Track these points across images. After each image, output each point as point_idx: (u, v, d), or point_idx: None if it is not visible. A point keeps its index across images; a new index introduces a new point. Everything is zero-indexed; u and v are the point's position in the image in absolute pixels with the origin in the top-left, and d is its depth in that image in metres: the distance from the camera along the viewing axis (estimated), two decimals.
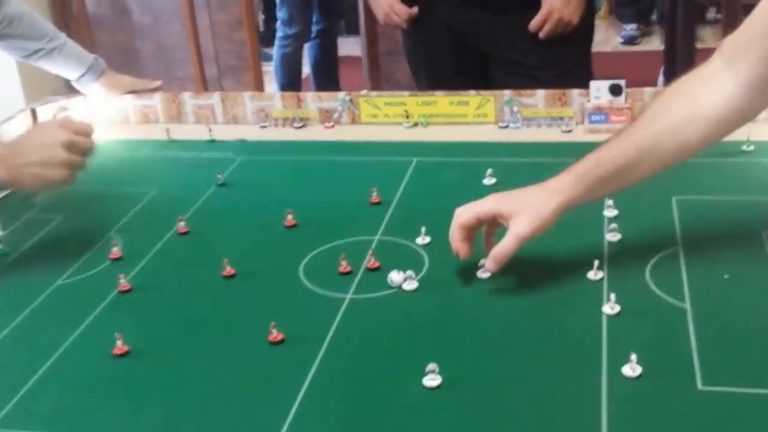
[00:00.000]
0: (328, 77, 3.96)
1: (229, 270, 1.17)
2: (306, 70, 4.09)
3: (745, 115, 1.07)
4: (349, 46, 4.55)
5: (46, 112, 1.74)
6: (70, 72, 1.74)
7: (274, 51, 3.86)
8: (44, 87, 2.63)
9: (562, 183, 1.08)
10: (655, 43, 4.45)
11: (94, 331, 1.07)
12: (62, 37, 1.73)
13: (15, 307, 1.13)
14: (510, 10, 1.84)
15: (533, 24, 1.82)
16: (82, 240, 1.30)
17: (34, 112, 1.74)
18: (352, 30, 4.73)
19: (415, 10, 1.93)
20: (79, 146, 1.24)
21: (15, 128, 1.68)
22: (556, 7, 1.79)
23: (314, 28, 3.89)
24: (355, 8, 3.30)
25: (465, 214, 1.10)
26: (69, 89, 1.83)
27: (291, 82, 3.81)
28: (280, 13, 3.79)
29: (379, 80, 3.13)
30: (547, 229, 1.07)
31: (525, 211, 1.06)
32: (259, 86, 2.96)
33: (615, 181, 1.09)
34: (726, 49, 1.06)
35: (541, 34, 1.82)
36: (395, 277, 1.11)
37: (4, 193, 1.46)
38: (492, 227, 1.13)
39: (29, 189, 1.25)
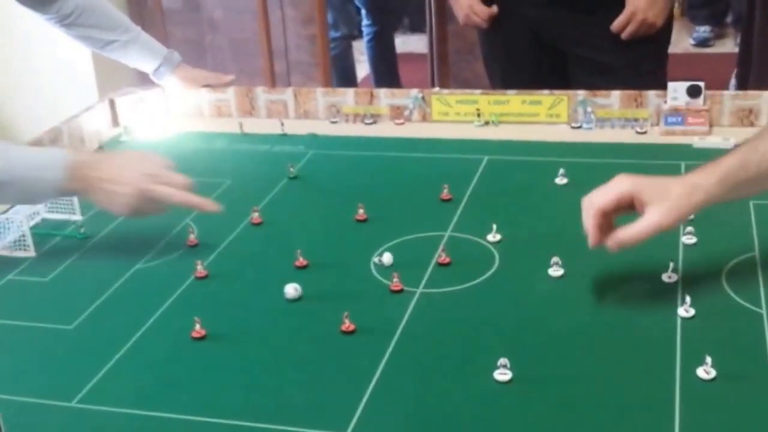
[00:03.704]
0: (387, 76, 4.00)
1: (301, 261, 1.19)
2: (366, 68, 4.13)
3: None
4: (413, 44, 4.57)
5: (125, 102, 1.79)
6: (144, 64, 1.78)
7: None
8: (118, 78, 2.70)
9: (705, 181, 1.02)
10: (728, 46, 4.36)
11: (173, 314, 1.10)
12: (136, 29, 1.77)
13: (97, 289, 1.17)
14: (592, 9, 1.83)
15: (616, 24, 1.81)
16: (159, 226, 1.33)
17: (112, 103, 1.79)
18: (417, 27, 4.76)
19: (494, 9, 1.94)
20: (164, 180, 1.22)
21: (94, 118, 1.73)
22: (641, 8, 1.78)
23: (368, 30, 3.94)
24: (421, 7, 3.31)
25: (602, 197, 1.03)
26: (143, 81, 1.87)
27: (345, 81, 3.86)
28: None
29: (447, 79, 3.13)
30: (681, 224, 1.03)
31: (667, 201, 1.01)
32: (327, 82, 2.98)
33: (758, 185, 1.05)
34: None
35: (624, 35, 1.81)
36: (290, 291, 1.11)
37: None
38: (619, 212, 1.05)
39: (98, 204, 1.23)
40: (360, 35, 4.07)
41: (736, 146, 1.07)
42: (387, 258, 1.18)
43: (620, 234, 1.02)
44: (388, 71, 4.01)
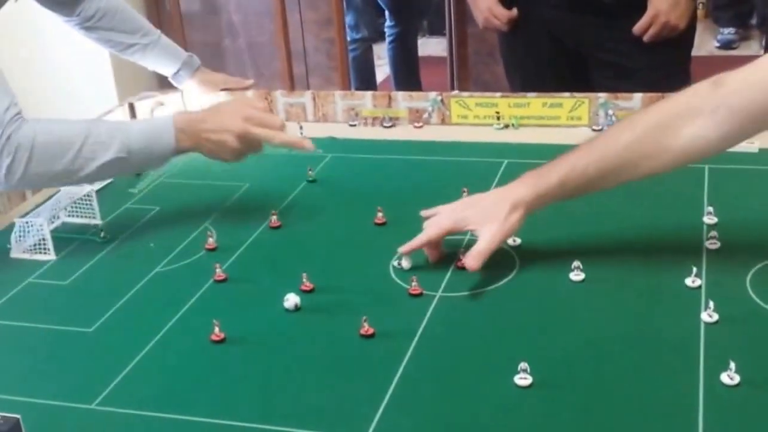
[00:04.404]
0: (409, 78, 3.99)
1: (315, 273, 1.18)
2: (386, 71, 4.12)
3: (709, 155, 1.11)
4: (432, 47, 4.57)
5: (143, 106, 1.80)
6: (164, 68, 1.79)
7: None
8: (137, 82, 2.71)
9: (525, 197, 1.13)
10: (753, 48, 4.32)
11: (192, 317, 1.10)
12: (156, 33, 1.77)
13: (116, 292, 1.17)
14: (613, 12, 1.82)
15: (638, 27, 1.79)
16: (178, 230, 1.34)
17: (132, 107, 1.80)
18: (435, 30, 4.75)
19: (514, 12, 1.93)
20: (261, 122, 1.31)
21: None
22: (663, 11, 1.77)
23: (391, 31, 3.94)
24: (440, 9, 3.30)
25: (433, 232, 1.16)
26: (162, 84, 1.88)
27: (365, 84, 3.86)
28: (347, 18, 3.84)
29: (467, 82, 3.12)
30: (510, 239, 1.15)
31: (494, 223, 1.12)
32: (346, 84, 2.99)
33: (580, 194, 1.14)
34: (721, 92, 1.06)
35: (646, 38, 1.80)
36: (291, 298, 1.10)
37: (104, 184, 1.51)
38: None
39: (210, 156, 1.34)
40: (380, 38, 4.07)
41: (563, 155, 1.15)
42: (406, 262, 1.17)
43: (467, 261, 1.12)
44: (409, 74, 4.00)
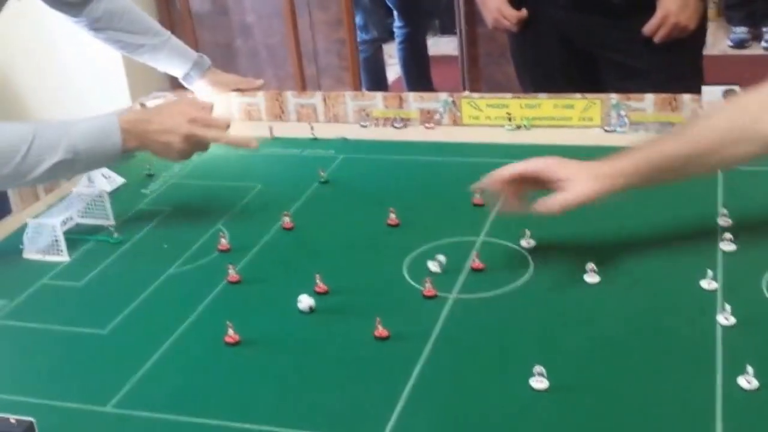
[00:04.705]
0: (419, 78, 3.98)
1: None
2: (398, 70, 4.12)
3: None
4: (443, 46, 4.56)
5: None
6: (174, 69, 1.78)
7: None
8: (149, 83, 2.71)
9: (626, 168, 1.11)
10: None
11: (206, 318, 1.10)
12: (166, 33, 1.77)
13: (130, 294, 1.17)
14: (623, 13, 1.81)
15: (648, 28, 1.79)
16: (191, 231, 1.34)
17: (143, 107, 1.79)
18: (447, 29, 4.74)
19: (524, 12, 1.93)
20: (206, 123, 1.33)
21: None
22: (673, 12, 1.76)
23: (400, 32, 3.93)
24: (450, 8, 3.29)
25: (514, 167, 1.13)
26: (173, 85, 1.88)
27: (376, 85, 3.85)
28: (356, 19, 3.84)
29: (478, 82, 3.11)
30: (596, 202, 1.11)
31: (591, 177, 1.09)
32: (357, 85, 2.98)
33: (674, 178, 1.13)
34: None
35: (656, 38, 1.79)
36: (305, 300, 1.10)
37: (118, 185, 1.51)
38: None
39: (159, 156, 1.35)
40: (390, 38, 4.06)
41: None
42: (435, 266, 1.15)
43: (549, 203, 1.09)
44: (420, 74, 3.99)
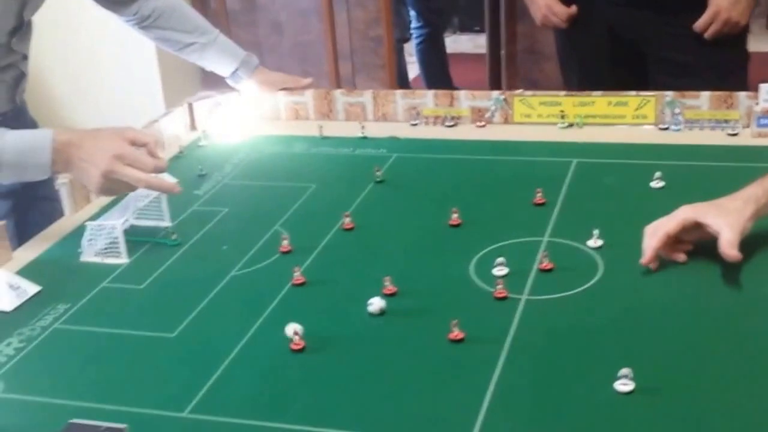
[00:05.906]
0: (439, 78, 3.98)
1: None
2: (416, 69, 4.12)
3: None
4: (463, 44, 4.54)
5: (202, 107, 1.79)
6: (222, 67, 1.77)
7: None
8: (183, 82, 2.71)
9: (754, 193, 1.13)
10: None
11: (275, 322, 1.08)
12: (215, 31, 1.76)
13: (194, 296, 1.16)
14: (673, 9, 1.79)
15: (699, 24, 1.77)
16: (249, 232, 1.33)
17: (191, 107, 1.79)
18: (467, 27, 4.72)
19: (574, 9, 1.91)
20: (133, 162, 1.25)
21: (173, 122, 1.73)
22: (724, 7, 1.74)
23: (418, 33, 3.92)
24: (472, 6, 3.24)
25: (668, 222, 1.12)
26: (207, 84, 1.86)
27: (399, 85, 3.85)
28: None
29: (515, 79, 3.09)
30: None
31: (727, 217, 1.10)
32: (393, 83, 2.96)
33: None
34: None
35: (707, 34, 1.77)
36: (376, 302, 1.08)
37: None
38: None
39: (78, 180, 1.32)
40: (410, 38, 4.06)
41: None
42: (500, 270, 1.15)
43: (729, 253, 1.08)
44: (439, 73, 3.99)
